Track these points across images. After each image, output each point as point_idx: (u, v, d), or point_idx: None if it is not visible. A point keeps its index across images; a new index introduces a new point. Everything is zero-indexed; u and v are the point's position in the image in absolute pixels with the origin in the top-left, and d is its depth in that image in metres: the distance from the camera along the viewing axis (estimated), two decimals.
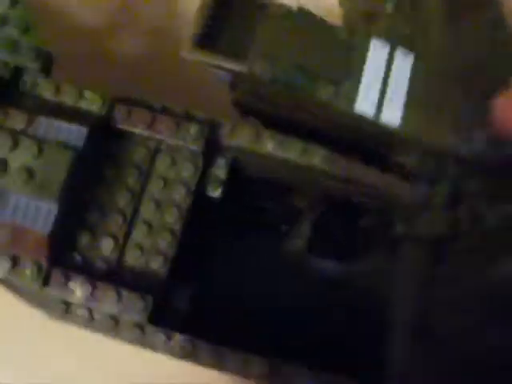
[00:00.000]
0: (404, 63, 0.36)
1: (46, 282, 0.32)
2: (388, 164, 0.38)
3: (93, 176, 0.34)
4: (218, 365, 0.33)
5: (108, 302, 0.32)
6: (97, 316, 0.33)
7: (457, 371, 0.31)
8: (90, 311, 0.33)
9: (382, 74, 0.35)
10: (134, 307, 0.32)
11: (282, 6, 0.35)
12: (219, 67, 0.35)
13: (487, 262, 0.31)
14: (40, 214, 0.30)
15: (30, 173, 0.30)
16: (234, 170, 0.37)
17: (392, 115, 0.35)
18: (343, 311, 0.42)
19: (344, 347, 0.39)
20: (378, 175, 0.37)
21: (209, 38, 0.34)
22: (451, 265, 0.32)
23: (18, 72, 0.35)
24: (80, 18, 0.49)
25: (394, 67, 0.36)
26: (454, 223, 0.33)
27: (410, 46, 0.36)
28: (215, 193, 0.36)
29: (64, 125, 0.31)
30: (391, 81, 0.36)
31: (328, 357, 0.36)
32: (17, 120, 0.32)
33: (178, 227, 0.34)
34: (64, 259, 0.33)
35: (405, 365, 0.34)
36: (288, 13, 0.35)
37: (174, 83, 0.44)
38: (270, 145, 0.36)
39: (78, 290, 0.31)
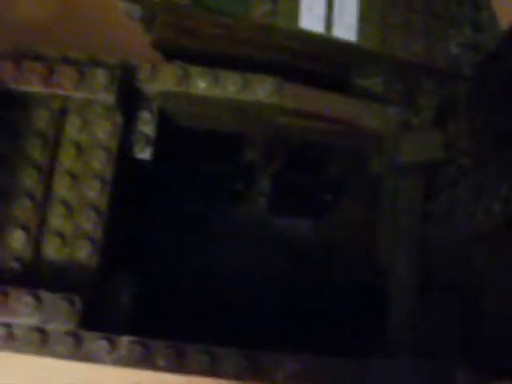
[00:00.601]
0: None
1: None
2: (350, 89, 0.33)
3: None
4: (179, 367, 0.27)
5: (25, 311, 0.26)
6: (17, 332, 0.26)
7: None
8: (8, 327, 0.26)
9: None
10: (59, 312, 0.26)
11: None
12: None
13: (488, 190, 0.26)
14: None
15: None
16: (164, 123, 0.31)
17: (345, 27, 0.29)
18: (320, 274, 0.37)
19: (326, 319, 0.34)
20: (339, 102, 0.31)
21: None
22: (449, 196, 0.27)
23: None
24: None
25: None
26: (448, 143, 0.27)
27: None
28: (144, 154, 0.30)
29: None
30: None
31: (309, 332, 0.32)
32: None
33: (103, 203, 0.28)
34: None
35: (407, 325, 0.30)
36: None
37: (81, 33, 0.38)
38: (201, 84, 0.30)
39: None
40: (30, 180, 0.28)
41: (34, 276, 0.28)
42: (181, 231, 0.36)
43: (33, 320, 0.26)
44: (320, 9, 0.30)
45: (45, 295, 0.26)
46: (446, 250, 0.27)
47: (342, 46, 0.29)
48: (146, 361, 0.27)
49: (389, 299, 0.31)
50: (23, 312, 0.26)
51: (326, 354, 0.29)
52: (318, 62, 0.32)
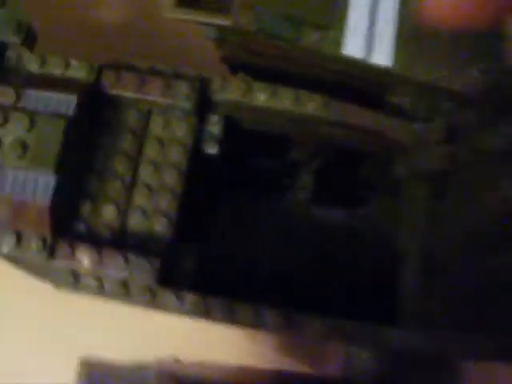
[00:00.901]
0: (388, 2, 0.37)
1: (51, 253, 0.33)
2: (383, 105, 0.39)
3: (88, 144, 0.35)
4: (230, 319, 0.34)
5: (116, 267, 0.32)
6: (106, 283, 0.34)
7: (464, 301, 0.33)
8: (99, 279, 0.34)
9: (367, 15, 0.36)
10: (142, 270, 0.33)
11: None
12: (204, 23, 0.36)
13: (488, 188, 0.33)
14: (38, 186, 0.31)
15: (23, 146, 0.31)
16: (229, 126, 0.38)
17: (382, 55, 0.36)
18: (350, 256, 0.44)
19: (353, 291, 0.41)
20: (374, 117, 0.38)
21: None
22: (453, 198, 0.34)
23: (2, 47, 0.35)
24: None
25: (379, 7, 0.37)
26: (453, 156, 0.34)
27: None
28: (212, 150, 0.36)
29: (53, 95, 0.32)
30: (377, 21, 0.37)
31: (338, 302, 0.38)
32: (5, 95, 0.32)
33: (178, 187, 0.35)
34: (68, 229, 0.34)
35: (417, 298, 0.35)
36: None
37: (161, 45, 0.45)
38: (262, 96, 0.36)
39: (84, 259, 0.32)
40: (121, 166, 0.34)
41: (121, 242, 0.34)
42: (237, 215, 0.44)
43: (121, 275, 0.33)
44: (361, 39, 0.37)
45: (131, 256, 0.32)
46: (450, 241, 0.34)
47: (378, 70, 0.36)
48: (204, 312, 0.34)
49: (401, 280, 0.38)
50: (114, 268, 0.32)
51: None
52: (358, 82, 0.37)
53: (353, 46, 0.36)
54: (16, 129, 0.31)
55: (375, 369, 0.39)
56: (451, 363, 0.38)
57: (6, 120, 0.31)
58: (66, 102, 0.32)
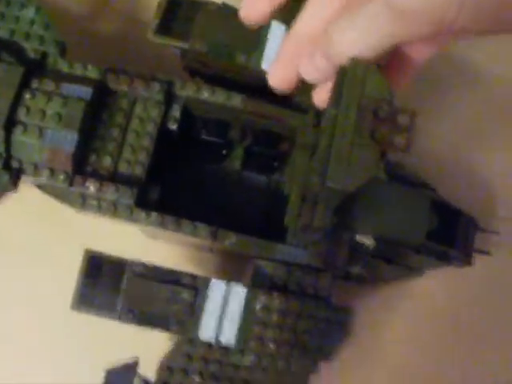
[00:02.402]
0: None
1: (71, 183, 0.51)
2: (290, 103, 0.55)
3: (97, 117, 0.52)
4: (177, 229, 0.51)
5: (110, 192, 0.50)
6: (103, 204, 0.51)
7: None
8: (99, 201, 0.51)
9: (278, 46, 0.53)
10: (126, 195, 0.51)
11: (212, 3, 0.54)
12: (173, 46, 0.54)
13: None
14: (67, 140, 0.50)
15: (59, 116, 0.50)
16: (185, 112, 0.55)
17: None
18: (267, 204, 0.60)
19: (265, 223, 0.59)
20: (279, 109, 0.55)
21: (165, 27, 0.54)
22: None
23: (44, 55, 0.54)
24: (70, 10, 0.70)
25: None
26: (317, 136, 0.49)
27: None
28: (173, 126, 0.54)
29: (78, 87, 0.51)
30: None
31: (253, 232, 0.53)
32: (48, 85, 0.51)
33: (150, 148, 0.52)
34: (81, 168, 0.52)
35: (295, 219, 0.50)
36: (216, 8, 0.54)
37: (143, 55, 0.61)
38: (205, 94, 0.54)
39: (91, 187, 0.50)
40: (116, 132, 0.53)
41: (114, 178, 0.52)
42: (189, 174, 0.61)
43: (113, 197, 0.51)
44: (273, 58, 0.52)
45: (120, 186, 0.50)
46: None
47: None
48: (162, 224, 0.51)
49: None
50: (109, 192, 0.50)
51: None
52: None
53: (267, 63, 0.54)
54: (55, 106, 0.50)
55: (275, 275, 0.52)
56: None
57: (49, 100, 0.50)
58: (85, 91, 0.51)
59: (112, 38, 0.69)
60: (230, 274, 0.54)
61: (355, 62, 0.41)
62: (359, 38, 0.41)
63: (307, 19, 0.46)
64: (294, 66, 0.46)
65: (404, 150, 0.41)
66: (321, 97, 0.48)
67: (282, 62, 0.48)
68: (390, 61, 0.46)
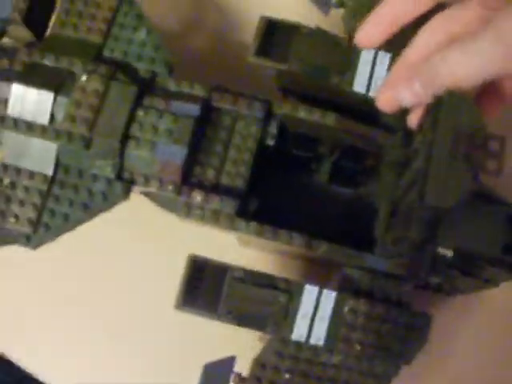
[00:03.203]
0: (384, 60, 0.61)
1: (179, 193, 0.55)
2: (377, 122, 0.59)
3: (202, 133, 0.57)
4: (274, 238, 0.55)
5: (215, 202, 0.55)
6: (206, 213, 0.55)
7: None
8: (203, 210, 0.56)
9: (369, 69, 0.60)
10: (228, 206, 0.55)
11: (307, 27, 0.59)
12: (271, 67, 0.59)
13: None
14: (177, 154, 0.54)
15: (170, 131, 0.54)
16: (282, 129, 0.59)
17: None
18: (354, 218, 0.65)
19: (354, 236, 0.60)
20: (367, 128, 0.59)
21: (264, 49, 0.59)
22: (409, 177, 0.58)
23: (155, 75, 0.59)
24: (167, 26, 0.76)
25: (377, 63, 0.61)
26: (407, 155, 0.53)
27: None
28: (270, 142, 0.59)
29: (186, 104, 0.56)
30: (376, 72, 0.60)
31: (343, 243, 0.56)
32: (159, 103, 0.56)
33: (250, 162, 0.57)
34: (188, 180, 0.56)
35: (386, 233, 0.55)
36: (311, 31, 0.59)
37: (241, 75, 0.65)
38: (302, 113, 0.58)
39: (197, 197, 0.55)
40: (219, 147, 0.57)
41: (217, 189, 0.57)
42: (282, 185, 0.66)
43: (217, 207, 0.55)
44: (365, 79, 0.59)
45: (222, 197, 0.55)
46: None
47: (373, 101, 0.53)
48: (260, 233, 0.55)
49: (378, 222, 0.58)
50: (214, 203, 0.55)
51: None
52: (361, 107, 0.58)
53: (358, 86, 0.60)
54: (166, 122, 0.55)
55: (361, 281, 0.56)
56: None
57: (160, 116, 0.55)
58: (193, 109, 0.56)
59: (207, 56, 0.75)
60: (315, 280, 0.57)
61: (451, 92, 0.46)
62: (463, 70, 0.45)
63: (415, 48, 0.51)
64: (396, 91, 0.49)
65: (495, 173, 0.46)
66: (414, 119, 0.51)
67: (389, 84, 0.51)
68: (483, 93, 0.50)
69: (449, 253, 0.59)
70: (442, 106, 0.45)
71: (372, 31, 0.52)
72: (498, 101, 0.51)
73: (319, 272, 0.66)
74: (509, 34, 0.43)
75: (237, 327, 0.56)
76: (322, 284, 0.55)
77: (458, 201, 0.44)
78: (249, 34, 0.60)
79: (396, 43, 0.55)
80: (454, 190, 0.44)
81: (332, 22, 0.63)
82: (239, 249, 0.67)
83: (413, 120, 0.53)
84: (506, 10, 0.43)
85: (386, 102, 0.52)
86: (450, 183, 0.44)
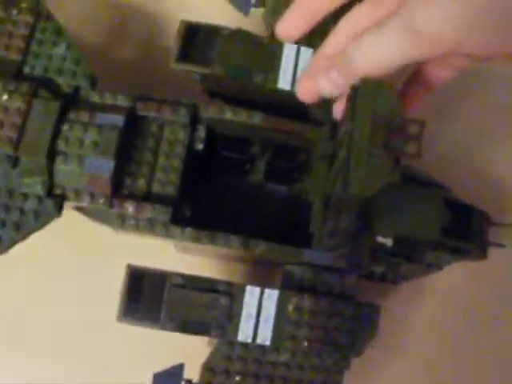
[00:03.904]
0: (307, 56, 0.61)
1: (111, 205, 0.55)
2: (306, 118, 0.60)
3: (130, 143, 0.57)
4: (211, 242, 0.56)
5: (147, 211, 0.55)
6: (140, 223, 0.56)
7: None
8: (137, 220, 0.56)
9: (292, 65, 0.61)
10: (162, 213, 0.55)
11: (228, 28, 0.59)
12: (194, 71, 0.59)
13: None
14: (104, 166, 0.54)
15: (96, 144, 0.54)
16: (210, 131, 0.59)
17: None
18: (288, 214, 0.66)
19: (290, 231, 0.63)
20: (297, 124, 0.60)
21: (186, 54, 0.59)
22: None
23: (77, 88, 0.59)
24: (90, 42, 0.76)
25: (300, 59, 0.61)
26: (334, 145, 0.56)
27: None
28: (199, 146, 0.59)
29: (110, 116, 0.55)
30: (300, 68, 0.60)
31: (279, 240, 0.57)
32: (83, 116, 0.55)
33: (180, 168, 0.57)
34: (119, 192, 0.56)
35: (321, 227, 0.55)
36: (231, 32, 0.59)
37: (166, 81, 0.67)
38: (228, 114, 0.58)
39: (129, 208, 0.55)
40: (148, 156, 0.56)
41: (149, 198, 0.57)
42: (214, 188, 0.67)
43: (150, 215, 0.55)
44: (289, 78, 0.59)
45: (156, 205, 0.55)
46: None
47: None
48: (196, 239, 0.56)
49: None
50: (146, 212, 0.55)
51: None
52: (288, 104, 0.58)
53: (283, 83, 0.60)
54: (91, 135, 0.55)
55: (303, 277, 0.57)
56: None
57: (85, 130, 0.55)
58: (118, 119, 0.56)
59: (130, 66, 0.75)
60: (258, 282, 0.58)
61: (365, 80, 0.47)
62: (376, 57, 0.47)
63: (332, 39, 0.53)
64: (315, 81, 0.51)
65: (415, 156, 0.46)
66: (339, 110, 0.53)
67: (308, 76, 0.53)
68: (409, 82, 0.53)
69: (388, 241, 0.59)
70: (358, 94, 0.46)
71: (292, 24, 0.54)
72: (424, 90, 0.53)
73: (262, 273, 0.67)
74: (415, 21, 0.45)
75: (182, 334, 0.56)
76: (267, 285, 0.56)
77: (381, 188, 0.45)
78: (170, 39, 0.60)
79: (318, 37, 0.56)
80: (377, 177, 0.45)
81: (252, 21, 0.63)
82: (178, 256, 0.67)
83: (337, 111, 0.54)
84: None
85: (305, 92, 0.54)
86: (372, 170, 0.45)
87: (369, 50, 0.46)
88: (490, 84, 0.73)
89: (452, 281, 0.69)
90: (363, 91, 0.46)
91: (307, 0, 0.53)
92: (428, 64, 0.51)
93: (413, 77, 0.52)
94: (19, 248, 0.59)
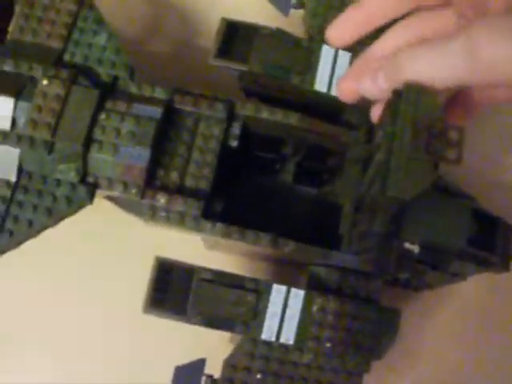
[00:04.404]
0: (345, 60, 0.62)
1: (142, 196, 0.56)
2: (340, 121, 0.61)
3: (165, 135, 0.57)
4: (241, 239, 0.56)
5: (179, 204, 0.55)
6: (171, 215, 0.56)
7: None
8: (168, 213, 0.56)
9: (330, 68, 0.61)
10: (193, 208, 0.56)
11: (267, 27, 0.59)
12: (232, 68, 0.59)
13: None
14: (140, 156, 0.55)
15: (133, 134, 0.55)
16: (245, 129, 0.59)
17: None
18: (318, 216, 0.66)
19: (319, 234, 0.60)
20: (330, 127, 0.60)
21: (225, 50, 0.59)
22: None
23: (116, 78, 0.60)
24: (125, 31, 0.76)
25: (338, 63, 0.62)
26: (370, 150, 0.53)
27: None
28: (233, 143, 0.59)
29: (148, 107, 0.56)
30: (337, 72, 0.61)
31: (308, 241, 0.57)
32: (121, 106, 0.56)
33: (214, 163, 0.57)
34: (152, 183, 0.57)
35: (352, 230, 0.56)
36: (271, 32, 0.59)
37: (203, 77, 0.67)
38: (264, 113, 0.59)
39: (161, 199, 0.55)
40: (183, 149, 0.57)
41: (182, 191, 0.57)
42: (247, 186, 0.67)
43: (181, 209, 0.55)
44: (326, 79, 0.59)
45: (188, 199, 0.55)
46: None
47: (335, 99, 0.55)
48: (226, 235, 0.56)
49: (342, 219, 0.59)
50: (177, 205, 0.55)
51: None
52: (323, 106, 0.59)
53: (320, 85, 0.61)
54: (128, 125, 0.55)
55: (329, 279, 0.57)
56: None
57: (122, 120, 0.56)
58: (155, 111, 0.56)
59: (167, 60, 0.76)
60: (282, 282, 0.57)
61: (409, 85, 0.47)
62: (428, 71, 0.46)
63: (384, 42, 0.52)
64: (359, 82, 0.50)
65: (456, 162, 0.46)
66: (376, 114, 0.53)
67: (352, 75, 0.52)
68: (454, 101, 0.52)
69: (415, 248, 0.59)
70: (401, 98, 0.46)
71: (344, 29, 0.51)
72: (463, 111, 0.52)
73: (288, 273, 0.68)
74: (479, 48, 0.43)
75: (207, 329, 0.56)
76: (292, 284, 0.56)
77: (421, 191, 0.45)
78: (210, 36, 0.61)
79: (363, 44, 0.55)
80: (416, 181, 0.45)
81: (292, 22, 0.64)
82: (206, 252, 0.67)
83: (375, 115, 0.54)
84: (480, 22, 0.43)
85: (346, 92, 0.52)
86: (412, 174, 0.45)
87: (423, 60, 0.45)
88: None
89: (475, 291, 0.68)
90: (406, 95, 0.46)
91: (366, 5, 0.50)
92: (476, 88, 0.49)
93: (456, 95, 0.50)
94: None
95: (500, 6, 0.45)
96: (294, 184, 0.67)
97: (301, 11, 0.64)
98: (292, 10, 0.63)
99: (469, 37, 0.43)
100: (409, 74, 0.47)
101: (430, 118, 0.46)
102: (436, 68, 0.45)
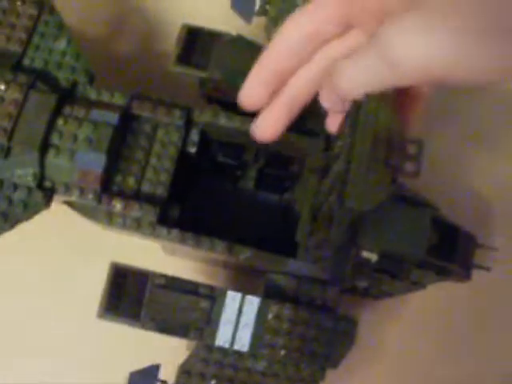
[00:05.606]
0: None
1: (99, 201, 0.56)
2: (301, 128, 0.60)
3: (124, 140, 0.57)
4: (196, 245, 0.56)
5: (135, 210, 0.56)
6: (127, 221, 0.56)
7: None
8: (124, 218, 0.56)
9: None
10: (150, 213, 0.56)
11: (228, 34, 0.59)
12: (192, 75, 0.60)
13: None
14: (96, 161, 0.55)
15: (89, 140, 0.55)
16: (203, 136, 0.60)
17: None
18: (278, 222, 0.67)
19: (276, 240, 0.60)
20: (294, 135, 0.59)
21: (185, 57, 0.60)
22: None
23: (75, 84, 0.60)
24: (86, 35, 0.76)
25: None
26: (328, 160, 0.54)
27: None
28: (192, 149, 0.60)
29: (105, 113, 0.56)
30: None
31: (265, 246, 0.58)
32: (79, 111, 0.56)
33: (171, 169, 0.58)
34: (108, 188, 0.56)
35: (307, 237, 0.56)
36: (232, 38, 0.59)
37: (164, 83, 0.67)
38: (222, 120, 0.59)
39: (117, 205, 0.55)
40: (140, 155, 0.57)
41: (138, 197, 0.57)
42: (206, 193, 0.67)
43: (137, 215, 0.55)
44: None
45: (143, 205, 0.55)
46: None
47: None
48: (182, 241, 0.56)
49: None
50: (134, 210, 0.55)
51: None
52: None
53: None
54: (85, 130, 0.55)
55: (286, 287, 0.57)
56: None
57: (80, 126, 0.55)
58: (113, 117, 0.56)
59: (128, 65, 0.76)
60: (241, 288, 0.58)
61: (369, 96, 0.47)
62: (360, 87, 0.47)
63: (296, 80, 0.53)
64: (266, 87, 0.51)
65: (414, 175, 0.46)
66: (331, 124, 0.54)
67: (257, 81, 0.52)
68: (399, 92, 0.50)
69: (373, 257, 0.60)
70: (361, 109, 0.46)
71: (254, 93, 0.52)
72: (411, 100, 0.51)
73: (248, 280, 0.67)
74: (393, 49, 0.43)
75: (162, 335, 0.56)
76: (250, 292, 0.56)
77: (378, 203, 0.45)
78: (171, 42, 0.61)
79: None
80: (374, 193, 0.45)
81: (254, 30, 0.64)
82: (164, 257, 0.68)
83: (330, 124, 0.54)
84: (387, 25, 0.44)
85: (251, 99, 0.53)
86: (370, 186, 0.45)
87: (351, 75, 0.47)
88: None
89: (433, 299, 0.68)
90: (365, 107, 0.46)
91: (267, 61, 0.51)
92: None
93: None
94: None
95: (396, 6, 0.45)
96: (256, 190, 0.67)
97: (263, 19, 0.64)
98: (255, 18, 0.63)
99: (380, 41, 0.44)
100: (343, 89, 0.48)
101: (389, 131, 0.46)
102: (361, 80, 0.46)
